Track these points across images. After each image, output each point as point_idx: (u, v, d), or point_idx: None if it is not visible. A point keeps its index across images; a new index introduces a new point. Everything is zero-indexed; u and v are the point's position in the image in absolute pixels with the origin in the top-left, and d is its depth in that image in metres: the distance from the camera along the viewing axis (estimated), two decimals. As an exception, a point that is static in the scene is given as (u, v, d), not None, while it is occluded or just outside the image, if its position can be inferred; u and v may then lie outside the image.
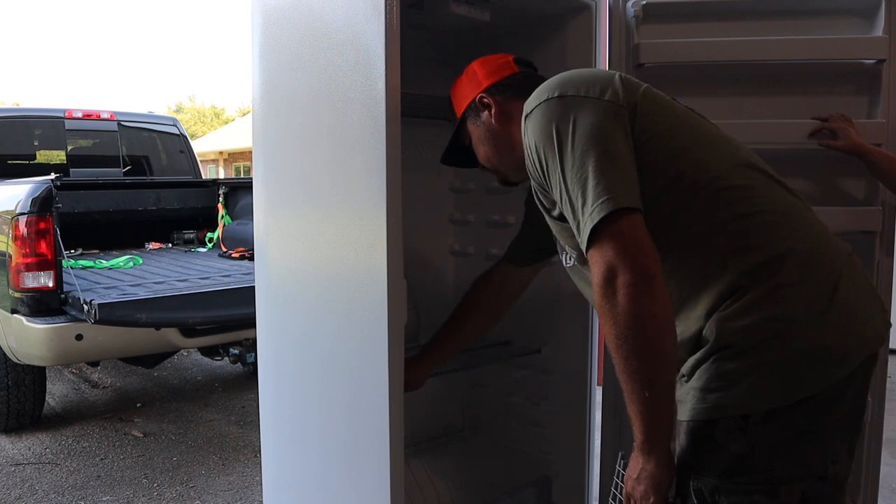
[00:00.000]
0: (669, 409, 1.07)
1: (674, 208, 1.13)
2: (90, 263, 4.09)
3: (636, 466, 1.11)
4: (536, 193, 1.25)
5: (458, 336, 1.76)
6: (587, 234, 1.05)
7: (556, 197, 1.14)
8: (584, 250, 1.08)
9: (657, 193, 1.11)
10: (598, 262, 1.04)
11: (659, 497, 1.11)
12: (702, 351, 1.10)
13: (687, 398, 1.11)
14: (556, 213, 1.20)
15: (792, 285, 1.08)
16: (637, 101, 1.15)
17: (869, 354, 1.11)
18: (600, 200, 1.04)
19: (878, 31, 1.84)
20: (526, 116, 1.20)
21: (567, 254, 1.34)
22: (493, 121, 1.40)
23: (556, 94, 1.16)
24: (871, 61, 1.86)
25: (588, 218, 1.05)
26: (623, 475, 1.20)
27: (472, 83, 1.46)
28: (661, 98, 1.21)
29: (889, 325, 1.18)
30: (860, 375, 1.11)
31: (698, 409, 1.09)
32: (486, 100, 1.42)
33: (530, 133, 1.17)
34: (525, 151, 1.20)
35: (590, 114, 1.11)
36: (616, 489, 1.26)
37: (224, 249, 4.65)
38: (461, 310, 1.77)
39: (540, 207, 1.27)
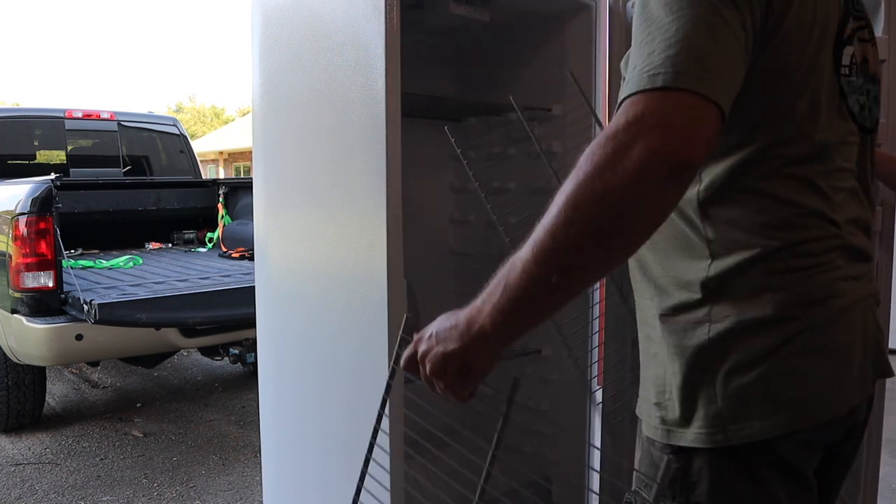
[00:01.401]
0: (543, 317, 0.82)
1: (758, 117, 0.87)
2: (90, 263, 4.10)
3: (451, 337, 0.83)
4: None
5: None
6: (642, 87, 0.75)
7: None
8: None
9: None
10: (629, 110, 0.74)
11: (461, 389, 0.88)
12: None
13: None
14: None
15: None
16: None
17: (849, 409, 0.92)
18: (680, 68, 0.74)
19: (878, 31, 1.84)
20: None
21: None
22: None
23: None
24: (870, 61, 1.86)
25: (654, 71, 0.75)
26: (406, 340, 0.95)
27: None
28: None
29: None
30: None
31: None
32: None
33: None
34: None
35: None
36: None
37: (224, 249, 4.65)
38: None
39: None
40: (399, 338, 1.02)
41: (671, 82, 0.74)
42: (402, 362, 0.92)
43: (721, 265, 0.90)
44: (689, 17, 0.77)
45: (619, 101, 0.78)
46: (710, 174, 0.90)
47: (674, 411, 0.93)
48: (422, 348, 0.88)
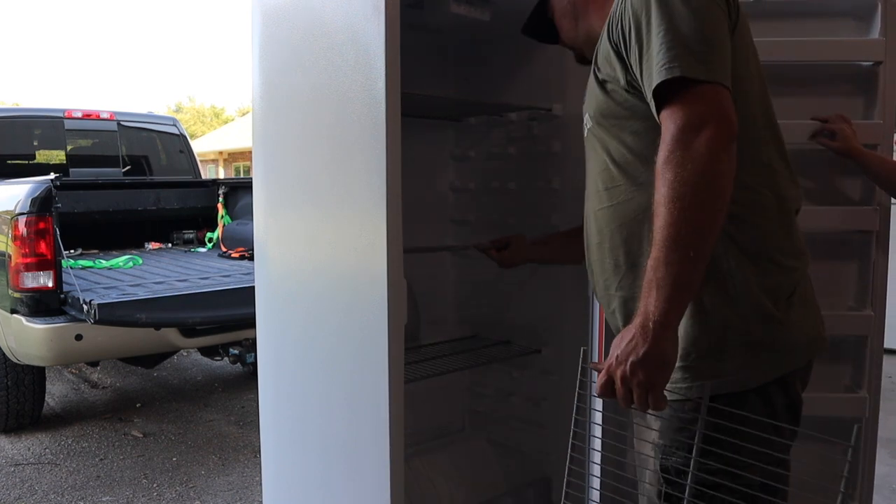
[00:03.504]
0: (697, 285, 0.99)
1: None
2: (90, 263, 4.09)
3: (636, 345, 0.98)
4: (595, 59, 1.20)
5: (569, 239, 1.64)
6: (668, 75, 0.99)
7: (636, 52, 1.06)
8: (652, 91, 1.02)
9: None
10: (681, 110, 0.99)
11: (664, 382, 1.00)
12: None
13: None
14: (602, 76, 1.17)
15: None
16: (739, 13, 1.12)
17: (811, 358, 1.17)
18: (701, 60, 1.00)
19: (875, 33, 1.85)
20: None
21: (585, 122, 1.29)
22: None
23: None
24: (867, 63, 1.87)
25: (680, 64, 0.99)
26: (588, 372, 1.11)
27: None
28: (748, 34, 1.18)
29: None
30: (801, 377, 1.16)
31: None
32: None
33: None
34: (612, 13, 1.14)
35: None
36: (572, 447, 1.18)
37: (224, 249, 4.65)
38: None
39: (592, 77, 1.22)
40: (579, 368, 1.19)
41: (708, 76, 0.99)
42: (597, 390, 1.06)
43: None
44: (713, 24, 1.03)
45: (658, 79, 1.00)
46: None
47: None
48: (616, 372, 1.01)
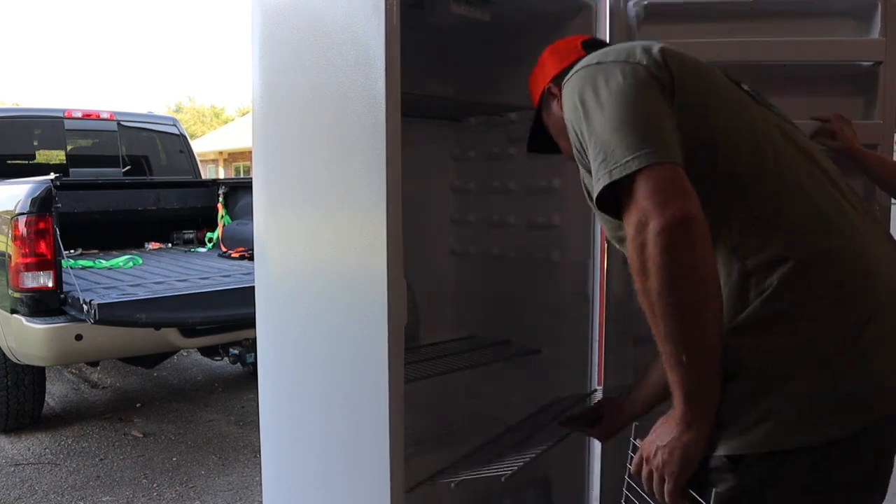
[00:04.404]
0: (714, 376, 0.94)
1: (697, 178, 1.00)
2: (90, 263, 4.09)
3: (668, 434, 0.98)
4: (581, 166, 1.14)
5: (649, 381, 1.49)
6: (614, 179, 0.94)
7: (591, 159, 1.02)
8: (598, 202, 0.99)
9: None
10: (629, 212, 0.93)
11: (684, 475, 0.98)
12: None
13: None
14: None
15: (806, 305, 0.95)
16: (674, 65, 1.06)
17: None
18: (634, 154, 0.93)
19: (875, 33, 1.85)
20: (563, 91, 1.14)
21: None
22: (560, 111, 1.26)
23: (591, 63, 1.10)
24: (867, 63, 1.87)
25: (621, 167, 0.94)
26: (635, 446, 1.09)
27: (542, 72, 1.41)
28: (699, 65, 1.11)
29: None
30: (889, 432, 0.96)
31: None
32: (553, 90, 1.37)
33: (565, 102, 1.11)
34: (567, 126, 1.12)
35: (621, 75, 1.03)
36: (631, 479, 1.15)
37: (224, 249, 4.65)
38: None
39: (585, 192, 1.17)
40: (631, 445, 1.16)
41: (639, 164, 0.92)
42: (633, 467, 1.07)
43: None
44: (625, 105, 0.99)
45: (597, 189, 0.97)
46: None
47: None
48: (644, 454, 1.03)
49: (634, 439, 1.15)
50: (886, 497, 1.02)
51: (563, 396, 2.03)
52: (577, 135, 1.07)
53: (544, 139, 1.46)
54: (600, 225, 1.46)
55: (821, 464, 0.93)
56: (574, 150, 1.10)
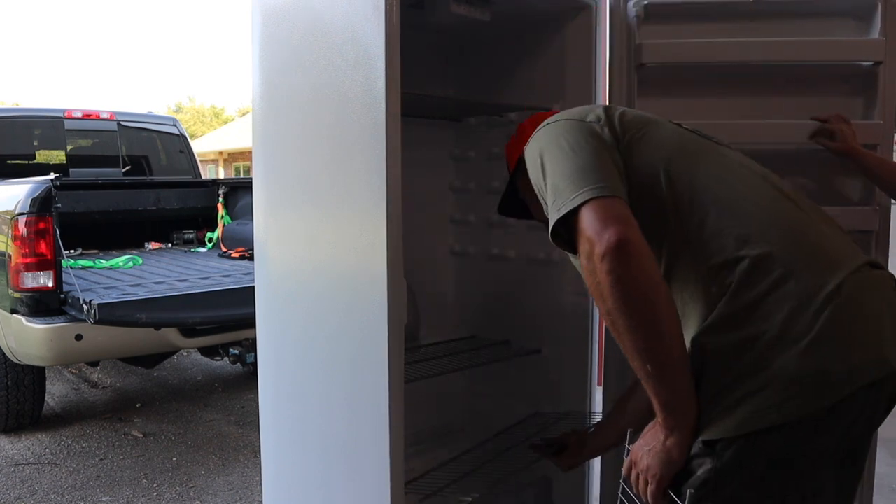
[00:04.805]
0: (685, 380, 1.02)
1: (653, 216, 1.13)
2: (90, 263, 4.09)
3: (654, 439, 1.07)
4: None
5: (614, 423, 1.61)
6: (562, 214, 1.06)
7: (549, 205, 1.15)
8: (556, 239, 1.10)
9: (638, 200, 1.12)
10: (579, 244, 1.04)
11: (667, 478, 1.06)
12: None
13: None
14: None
15: (767, 295, 1.03)
16: (618, 121, 1.21)
17: (869, 382, 1.00)
18: (579, 191, 1.05)
19: (875, 33, 1.85)
20: (525, 151, 1.26)
21: None
22: None
23: (548, 123, 1.24)
24: (867, 63, 1.87)
25: (568, 203, 1.06)
26: (628, 451, 1.17)
27: (520, 139, 1.47)
28: (642, 115, 1.27)
29: None
30: (853, 404, 1.01)
31: None
32: None
33: (528, 159, 1.23)
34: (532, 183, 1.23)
35: (574, 130, 1.18)
36: (625, 482, 1.21)
37: (224, 249, 4.65)
38: (620, 399, 1.66)
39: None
40: (626, 449, 1.22)
41: (583, 198, 1.04)
42: (624, 471, 1.15)
43: None
44: (575, 154, 1.12)
45: (550, 225, 1.09)
46: None
47: None
48: (633, 458, 1.12)
49: (628, 444, 1.20)
50: (886, 496, 1.03)
51: (544, 414, 2.06)
52: (538, 188, 1.19)
53: (515, 203, 1.53)
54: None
55: (793, 439, 1.00)
56: (542, 204, 1.20)
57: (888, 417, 1.10)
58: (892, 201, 1.90)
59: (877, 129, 1.85)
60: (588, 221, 1.02)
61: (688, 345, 1.08)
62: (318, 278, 1.65)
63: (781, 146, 1.88)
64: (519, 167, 1.46)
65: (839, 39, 1.88)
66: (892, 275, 1.12)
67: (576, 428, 1.76)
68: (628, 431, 1.29)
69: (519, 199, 1.52)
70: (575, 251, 1.07)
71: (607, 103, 1.92)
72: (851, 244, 1.14)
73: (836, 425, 1.01)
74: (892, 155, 1.92)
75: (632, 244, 0.99)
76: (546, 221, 1.37)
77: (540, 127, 1.26)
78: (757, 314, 1.03)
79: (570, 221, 1.06)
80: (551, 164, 1.14)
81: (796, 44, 1.85)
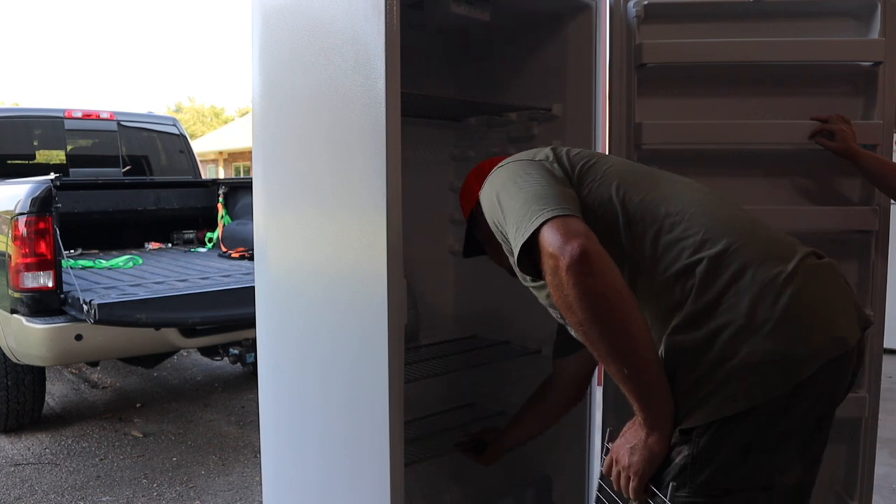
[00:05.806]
0: (659, 378, 1.07)
1: (609, 241, 1.16)
2: (90, 263, 4.09)
3: (634, 437, 1.12)
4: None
5: (525, 422, 1.81)
6: (526, 238, 1.10)
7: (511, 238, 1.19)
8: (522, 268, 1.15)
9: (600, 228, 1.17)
10: (543, 263, 1.08)
11: (649, 473, 1.11)
12: None
13: None
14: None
15: (727, 290, 1.09)
16: (566, 157, 1.30)
17: (828, 360, 1.07)
18: (537, 215, 1.10)
19: (875, 33, 1.85)
20: (480, 194, 1.32)
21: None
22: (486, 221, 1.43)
23: (500, 166, 1.31)
24: (867, 63, 1.87)
25: (529, 226, 1.10)
26: (608, 449, 1.21)
27: (471, 191, 1.54)
28: (587, 151, 1.36)
29: (867, 324, 1.16)
30: (814, 383, 1.07)
31: None
32: (479, 208, 1.44)
33: (483, 203, 1.30)
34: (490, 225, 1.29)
35: (527, 168, 1.25)
36: (603, 480, 1.25)
37: (224, 249, 4.65)
38: (529, 400, 1.82)
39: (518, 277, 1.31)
40: (603, 448, 1.26)
41: (543, 218, 1.09)
42: (604, 468, 1.19)
43: None
44: (529, 186, 1.19)
45: (515, 252, 1.13)
46: None
47: None
48: (614, 456, 1.16)
49: (607, 443, 1.24)
50: (886, 496, 1.03)
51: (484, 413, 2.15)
52: (497, 226, 1.25)
53: (477, 246, 1.60)
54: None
55: (761, 421, 1.06)
56: (501, 243, 1.27)
57: (888, 417, 1.11)
58: (892, 201, 1.90)
59: (877, 129, 1.85)
60: (550, 238, 1.07)
61: (661, 349, 1.12)
62: (318, 278, 1.65)
63: (781, 146, 1.88)
64: (473, 217, 1.55)
65: (839, 39, 1.88)
66: (834, 262, 1.18)
67: (486, 427, 1.91)
68: (608, 430, 1.33)
69: (477, 241, 1.59)
70: (541, 276, 1.11)
71: (607, 104, 1.93)
72: (793, 238, 1.21)
73: (800, 404, 1.07)
74: (892, 155, 1.92)
75: (594, 254, 1.03)
76: (504, 265, 1.48)
77: (492, 173, 1.32)
78: (721, 308, 1.09)
79: (532, 245, 1.10)
80: (507, 200, 1.20)
81: (796, 44, 1.85)
